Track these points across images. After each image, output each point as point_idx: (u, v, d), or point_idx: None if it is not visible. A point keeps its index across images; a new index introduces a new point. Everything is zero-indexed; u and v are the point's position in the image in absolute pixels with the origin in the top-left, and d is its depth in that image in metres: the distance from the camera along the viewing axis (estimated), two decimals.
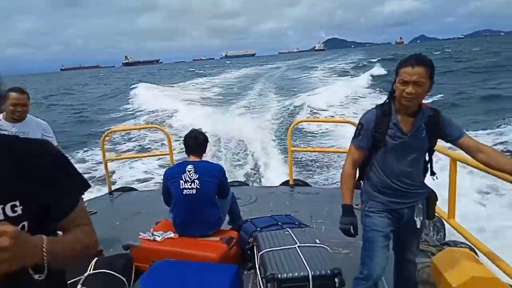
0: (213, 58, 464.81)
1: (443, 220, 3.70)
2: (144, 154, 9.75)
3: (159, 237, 3.18)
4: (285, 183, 5.79)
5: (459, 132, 2.15)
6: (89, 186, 1.24)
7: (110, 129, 7.98)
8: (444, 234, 4.00)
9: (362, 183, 2.34)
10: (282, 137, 11.53)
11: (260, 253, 2.73)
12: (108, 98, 32.33)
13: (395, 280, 2.53)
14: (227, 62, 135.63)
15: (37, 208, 1.06)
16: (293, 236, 2.90)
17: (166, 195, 3.39)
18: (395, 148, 2.13)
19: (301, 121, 9.28)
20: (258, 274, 2.67)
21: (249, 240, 3.12)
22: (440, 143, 2.29)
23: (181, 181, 3.19)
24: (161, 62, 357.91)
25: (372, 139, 2.15)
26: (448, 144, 2.29)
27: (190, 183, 3.17)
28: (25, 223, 1.03)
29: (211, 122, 14.33)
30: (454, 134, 2.14)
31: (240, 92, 28.11)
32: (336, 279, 2.42)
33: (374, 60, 45.55)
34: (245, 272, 3.03)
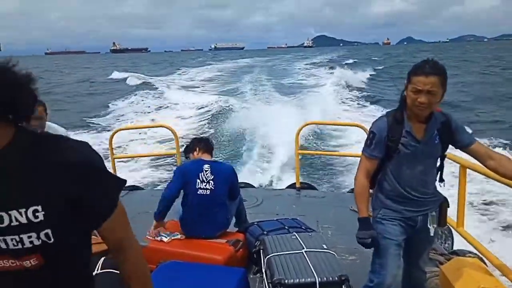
0: (202, 50, 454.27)
1: (451, 228, 3.66)
2: (151, 153, 9.76)
3: (166, 237, 3.18)
4: (292, 185, 5.77)
5: (470, 139, 2.12)
6: (125, 182, 1.12)
7: (118, 128, 7.98)
8: (452, 243, 3.95)
9: (371, 190, 2.28)
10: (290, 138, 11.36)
11: (267, 257, 2.72)
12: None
13: None
14: (212, 54, 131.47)
15: (63, 211, 0.95)
16: (300, 240, 2.89)
17: (174, 195, 3.19)
18: (409, 157, 2.08)
19: (309, 123, 9.20)
20: (265, 278, 2.66)
21: (256, 244, 3.11)
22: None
23: (198, 180, 3.16)
24: (149, 51, 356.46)
25: (385, 148, 2.09)
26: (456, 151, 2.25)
27: (205, 183, 3.16)
28: (48, 231, 0.94)
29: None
30: (465, 141, 2.11)
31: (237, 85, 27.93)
32: (343, 286, 2.40)
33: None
34: (251, 276, 3.03)
